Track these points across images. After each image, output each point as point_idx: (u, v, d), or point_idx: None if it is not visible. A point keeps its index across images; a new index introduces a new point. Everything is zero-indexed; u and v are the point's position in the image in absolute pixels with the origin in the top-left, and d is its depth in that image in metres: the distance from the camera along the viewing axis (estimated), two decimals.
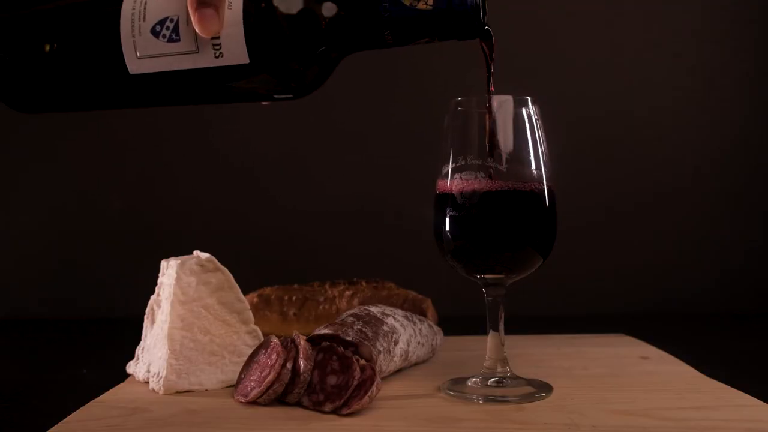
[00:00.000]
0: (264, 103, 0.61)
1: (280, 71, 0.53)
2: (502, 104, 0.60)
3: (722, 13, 1.20)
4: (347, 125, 1.21)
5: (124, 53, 0.53)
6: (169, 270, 0.67)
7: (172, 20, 0.52)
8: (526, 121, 0.61)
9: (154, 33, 0.52)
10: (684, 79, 1.20)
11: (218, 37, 0.51)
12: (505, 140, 0.60)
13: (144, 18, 0.52)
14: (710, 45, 1.20)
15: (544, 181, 0.61)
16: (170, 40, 0.52)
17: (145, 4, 0.52)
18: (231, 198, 1.22)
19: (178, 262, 0.66)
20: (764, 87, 1.20)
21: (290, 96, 0.56)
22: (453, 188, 0.60)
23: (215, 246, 0.74)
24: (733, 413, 0.55)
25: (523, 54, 1.19)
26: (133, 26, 0.52)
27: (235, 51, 0.52)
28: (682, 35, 1.20)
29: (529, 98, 0.61)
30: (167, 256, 0.70)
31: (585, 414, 0.55)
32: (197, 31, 0.51)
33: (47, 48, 0.55)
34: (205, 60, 0.52)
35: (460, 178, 0.60)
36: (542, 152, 0.61)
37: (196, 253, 0.69)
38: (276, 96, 0.56)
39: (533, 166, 0.60)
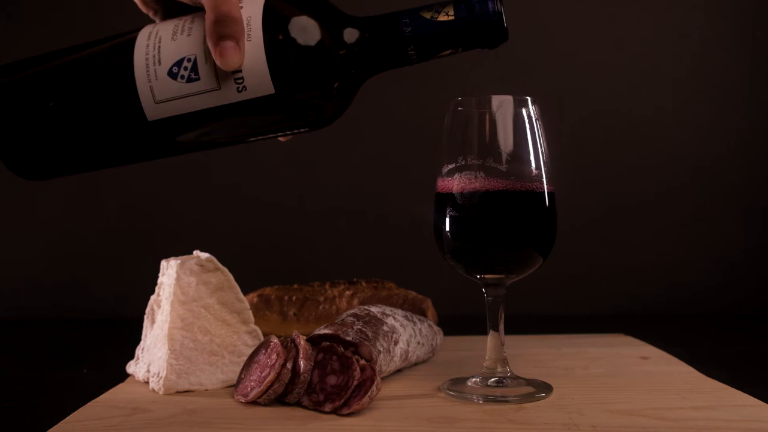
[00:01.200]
0: (281, 139, 0.59)
1: (308, 98, 0.52)
2: (502, 104, 0.60)
3: (722, 13, 1.20)
4: (347, 124, 1.20)
5: (141, 100, 0.51)
6: (169, 270, 0.67)
7: (189, 60, 0.50)
8: (526, 121, 0.61)
9: (172, 75, 0.51)
10: (684, 79, 1.20)
11: (240, 71, 0.50)
12: (505, 140, 0.60)
13: (159, 62, 0.51)
14: (710, 45, 1.20)
15: (544, 181, 0.61)
16: (189, 80, 0.50)
17: (159, 48, 0.51)
18: (231, 198, 1.22)
19: (178, 262, 0.66)
20: (764, 87, 1.20)
21: (316, 124, 0.54)
22: (453, 188, 0.60)
23: (215, 246, 0.74)
24: (733, 413, 0.55)
25: (523, 54, 1.19)
26: (148, 71, 0.51)
27: (260, 83, 0.50)
28: (683, 35, 1.20)
29: (529, 98, 0.61)
30: (167, 256, 0.70)
31: (585, 414, 0.55)
32: (219, 65, 0.49)
33: (57, 107, 0.53)
34: (228, 96, 0.51)
35: (460, 178, 0.60)
36: (542, 152, 0.61)
37: (196, 253, 0.69)
38: (303, 126, 0.54)
39: (533, 166, 0.60)
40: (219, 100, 0.51)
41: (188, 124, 0.52)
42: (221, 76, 0.50)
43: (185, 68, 0.50)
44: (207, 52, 0.50)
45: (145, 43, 0.52)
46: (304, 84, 0.51)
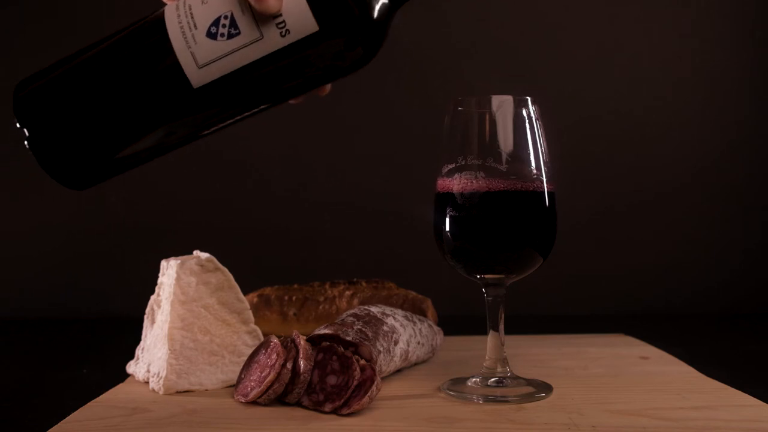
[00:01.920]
0: (320, 94, 0.57)
1: (352, 28, 0.51)
2: (502, 104, 0.60)
3: (722, 13, 1.20)
4: (348, 124, 1.21)
5: (183, 68, 0.50)
6: (169, 270, 0.67)
7: (226, 17, 0.50)
8: (526, 121, 0.61)
9: (211, 35, 0.50)
10: (684, 79, 1.20)
11: (280, 15, 0.50)
12: (505, 140, 0.60)
13: (195, 26, 0.50)
14: (710, 45, 1.20)
15: (544, 181, 0.61)
16: (230, 36, 0.50)
17: (191, 14, 0.51)
18: (231, 198, 1.22)
19: (178, 262, 0.66)
20: (764, 87, 1.20)
21: (361, 59, 0.53)
22: (453, 188, 0.60)
23: (215, 246, 0.74)
24: (733, 413, 0.55)
25: (523, 54, 1.19)
26: (185, 38, 0.50)
27: (302, 22, 0.50)
28: (683, 35, 1.20)
29: (529, 98, 0.61)
30: (167, 256, 0.70)
31: (585, 414, 0.55)
32: (260, 11, 0.49)
33: (98, 100, 0.52)
34: (272, 43, 0.50)
35: (460, 178, 0.60)
36: (542, 152, 0.61)
37: (196, 253, 0.69)
38: (349, 64, 0.53)
39: (533, 166, 0.60)
40: (263, 50, 0.50)
41: (236, 83, 0.51)
42: (262, 23, 0.50)
43: (223, 25, 0.50)
44: (242, 5, 0.50)
45: (175, 14, 0.51)
46: (346, 13, 0.51)
